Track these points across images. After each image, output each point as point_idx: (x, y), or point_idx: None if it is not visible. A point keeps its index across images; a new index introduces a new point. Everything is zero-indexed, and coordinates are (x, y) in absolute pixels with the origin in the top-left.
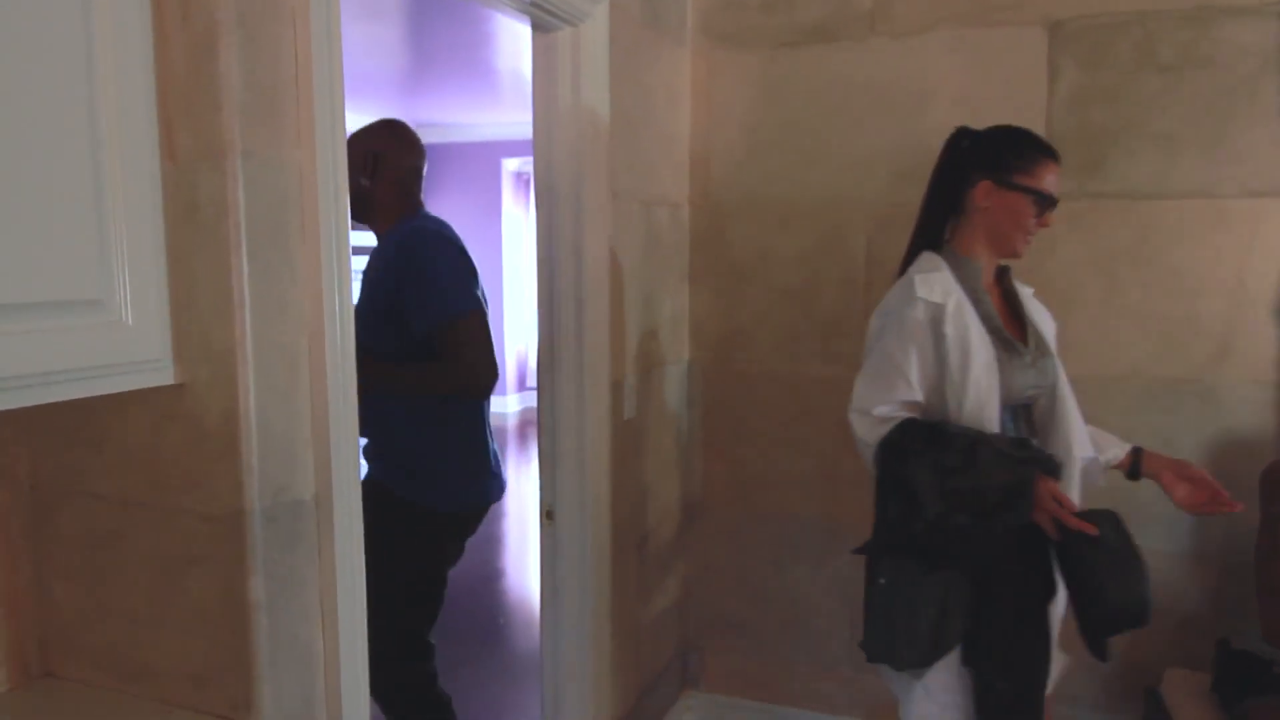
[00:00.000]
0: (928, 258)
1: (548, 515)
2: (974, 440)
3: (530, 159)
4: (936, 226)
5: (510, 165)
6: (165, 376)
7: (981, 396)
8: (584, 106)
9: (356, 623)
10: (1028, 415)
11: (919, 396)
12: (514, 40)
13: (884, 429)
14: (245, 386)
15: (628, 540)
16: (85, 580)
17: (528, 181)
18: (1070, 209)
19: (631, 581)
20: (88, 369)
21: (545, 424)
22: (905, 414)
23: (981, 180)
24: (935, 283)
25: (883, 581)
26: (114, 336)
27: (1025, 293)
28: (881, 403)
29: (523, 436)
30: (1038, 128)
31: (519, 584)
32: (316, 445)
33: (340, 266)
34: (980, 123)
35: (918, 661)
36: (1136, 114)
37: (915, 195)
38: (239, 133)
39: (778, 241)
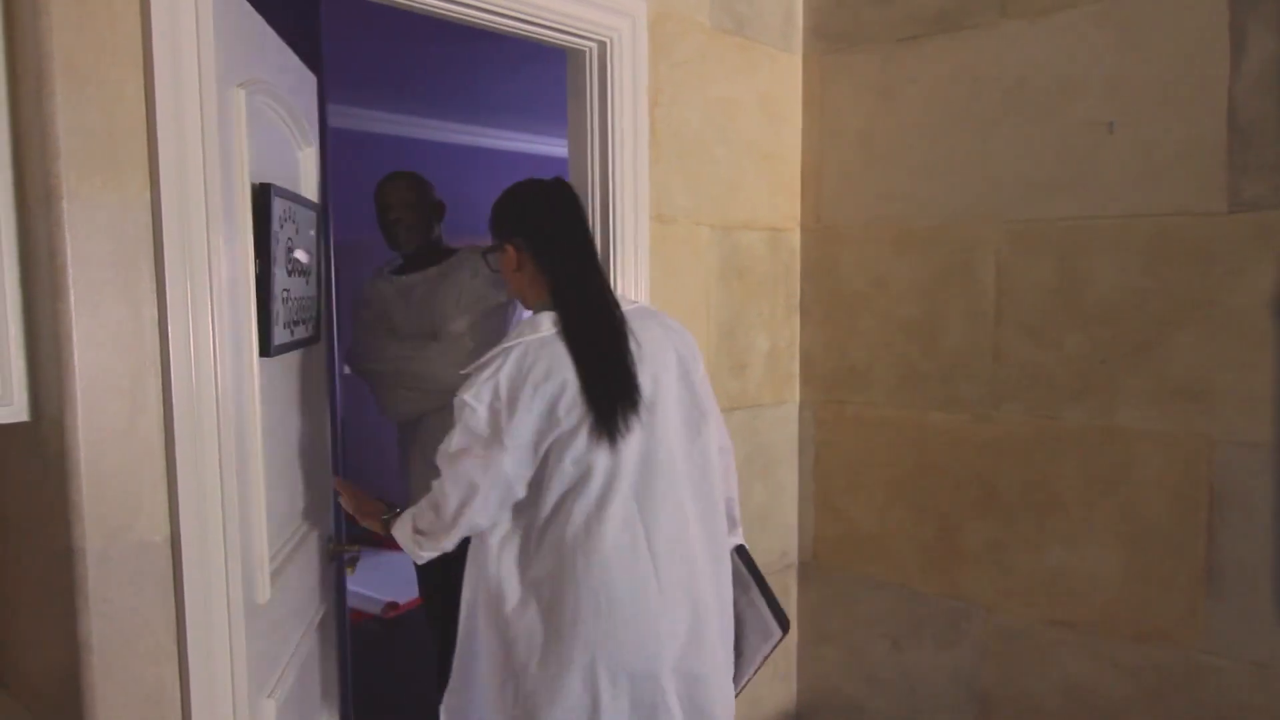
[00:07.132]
0: None
1: None
2: None
3: None
4: None
5: None
6: (18, 413)
7: None
8: (614, 124)
9: (216, 663)
10: None
11: None
12: None
13: None
14: (73, 426)
15: None
16: None
17: None
18: (1260, 221)
19: None
20: None
21: None
22: None
23: None
24: None
25: None
26: None
27: None
28: None
29: None
30: (1216, 115)
31: None
32: (170, 488)
33: (197, 305)
34: (1134, 115)
35: None
36: None
37: (1056, 208)
38: (65, 177)
39: (894, 268)
